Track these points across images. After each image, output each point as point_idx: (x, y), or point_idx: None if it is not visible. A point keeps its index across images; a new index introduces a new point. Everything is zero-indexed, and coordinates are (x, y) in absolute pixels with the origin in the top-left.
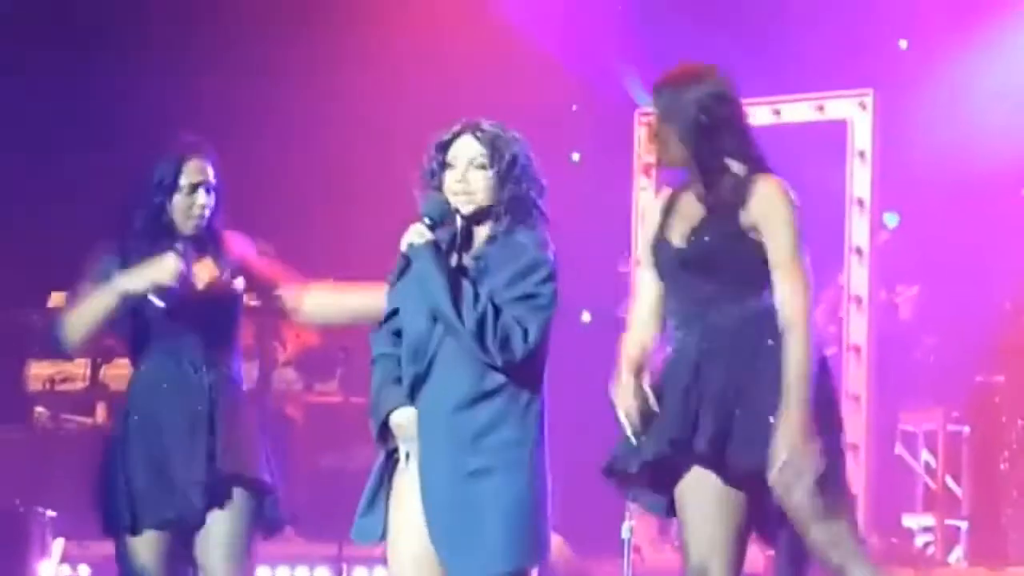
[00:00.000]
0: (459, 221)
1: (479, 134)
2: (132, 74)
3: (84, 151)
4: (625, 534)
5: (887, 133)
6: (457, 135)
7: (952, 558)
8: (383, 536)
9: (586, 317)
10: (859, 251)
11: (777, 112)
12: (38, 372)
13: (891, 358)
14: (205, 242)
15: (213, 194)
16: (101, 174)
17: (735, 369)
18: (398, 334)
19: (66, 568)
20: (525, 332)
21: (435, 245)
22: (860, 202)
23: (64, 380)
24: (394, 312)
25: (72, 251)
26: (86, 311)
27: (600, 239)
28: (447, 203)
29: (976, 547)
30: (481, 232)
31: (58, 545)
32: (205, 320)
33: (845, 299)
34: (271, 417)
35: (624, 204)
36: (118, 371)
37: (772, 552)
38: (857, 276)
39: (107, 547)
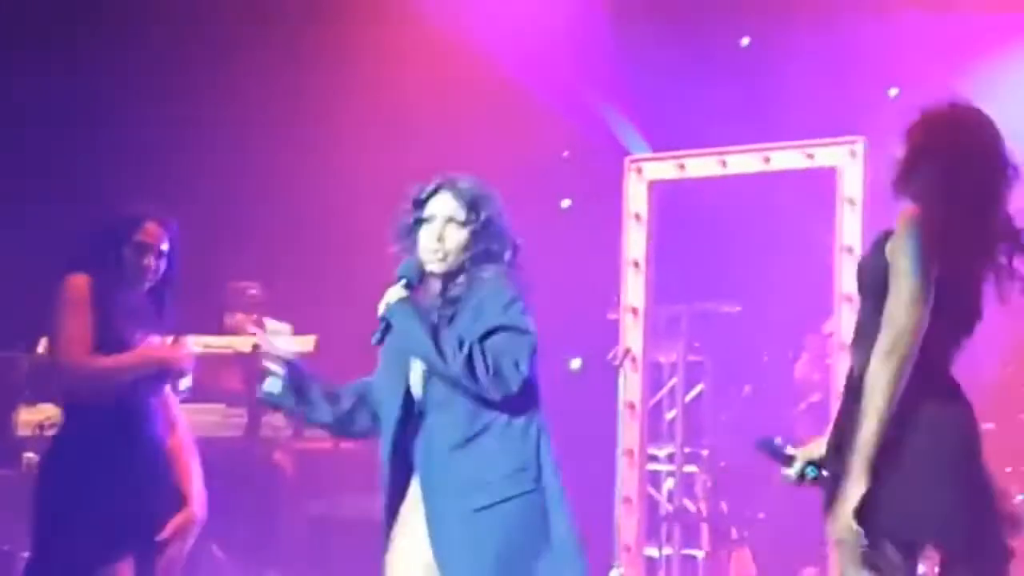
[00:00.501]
0: (434, 282)
1: (456, 192)
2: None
3: (58, 199)
4: None
5: (877, 181)
6: (434, 192)
7: None
8: None
9: (576, 364)
10: (849, 299)
11: (767, 159)
12: (27, 418)
13: None
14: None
15: (164, 260)
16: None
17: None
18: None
19: None
20: (516, 362)
21: (411, 301)
22: (849, 249)
23: (53, 426)
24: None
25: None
26: (115, 370)
27: (590, 286)
28: (421, 265)
29: None
30: (454, 288)
31: None
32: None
33: (835, 346)
34: (259, 463)
35: (614, 251)
36: None
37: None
38: (848, 323)
39: None
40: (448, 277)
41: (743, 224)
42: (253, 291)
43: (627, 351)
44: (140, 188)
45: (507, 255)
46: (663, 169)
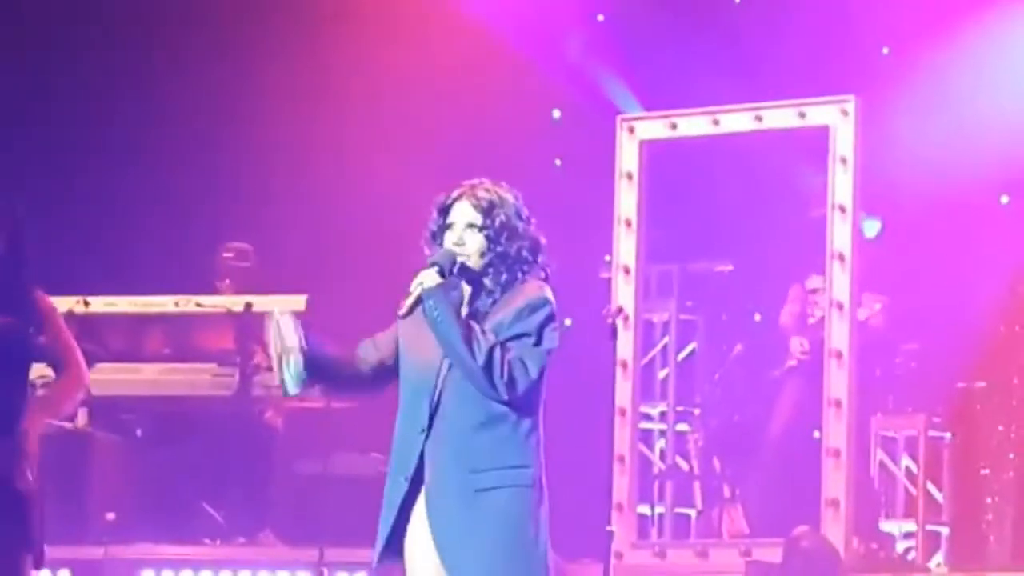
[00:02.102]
0: (463, 282)
1: (474, 201)
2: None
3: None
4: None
5: (869, 139)
6: (456, 199)
7: (933, 563)
8: (378, 562)
9: (567, 322)
10: (841, 257)
11: (759, 118)
12: None
13: (872, 364)
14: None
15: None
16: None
17: None
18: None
19: (47, 573)
20: (527, 368)
21: (445, 287)
22: (842, 208)
23: (44, 385)
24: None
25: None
26: None
27: (582, 245)
28: (454, 255)
29: (957, 552)
30: (480, 285)
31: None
32: None
33: (827, 305)
34: (251, 423)
35: (606, 210)
36: (100, 376)
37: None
38: (839, 282)
39: (87, 551)
40: (476, 277)
41: (735, 183)
42: (244, 252)
43: (619, 309)
44: (125, 146)
45: (532, 255)
46: (655, 128)
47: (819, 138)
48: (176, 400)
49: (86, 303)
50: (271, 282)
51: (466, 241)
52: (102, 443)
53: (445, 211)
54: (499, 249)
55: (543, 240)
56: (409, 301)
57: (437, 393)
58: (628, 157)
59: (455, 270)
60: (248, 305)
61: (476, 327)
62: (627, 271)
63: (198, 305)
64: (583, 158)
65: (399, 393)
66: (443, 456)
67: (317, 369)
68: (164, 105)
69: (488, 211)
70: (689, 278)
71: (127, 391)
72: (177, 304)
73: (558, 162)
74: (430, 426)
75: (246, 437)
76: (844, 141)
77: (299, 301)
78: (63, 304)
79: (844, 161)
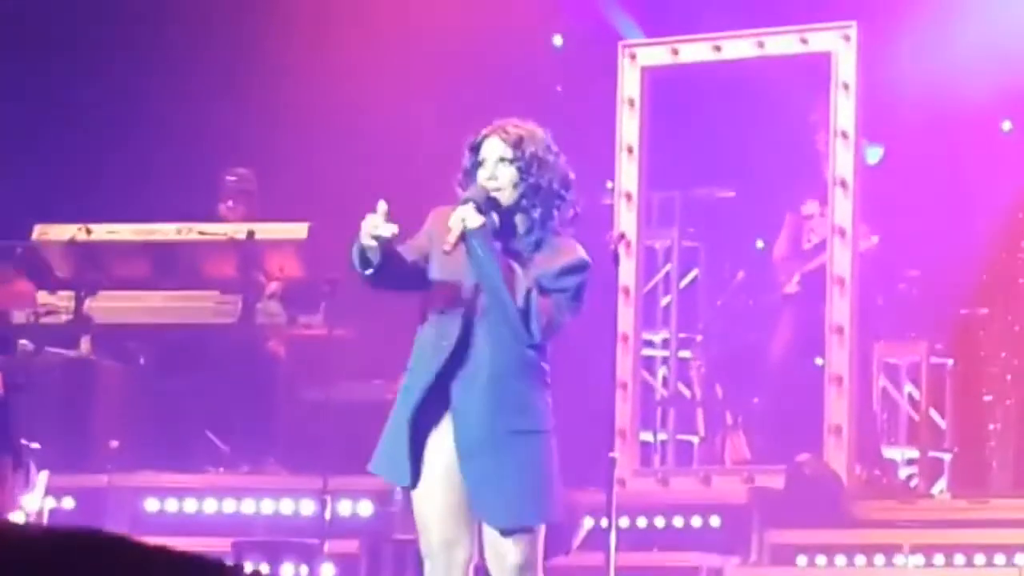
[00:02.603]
0: (495, 215)
1: (504, 135)
2: None
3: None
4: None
5: (871, 65)
6: (486, 136)
7: (935, 490)
8: (413, 485)
9: None
10: (843, 183)
11: (761, 44)
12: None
13: (875, 290)
14: None
15: None
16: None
17: None
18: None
19: (51, 500)
20: (561, 316)
21: (486, 225)
22: (844, 134)
23: (48, 313)
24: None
25: (54, 184)
26: None
27: (584, 171)
28: (486, 191)
29: (959, 478)
30: (519, 224)
31: (43, 477)
32: None
33: (828, 231)
34: (254, 351)
35: (608, 136)
36: (102, 303)
37: None
38: (841, 208)
39: (91, 479)
40: (508, 213)
41: (737, 110)
42: (247, 177)
43: (621, 236)
44: (127, 72)
45: (563, 188)
46: (656, 55)
47: (821, 64)
48: (179, 328)
49: (88, 231)
50: (275, 208)
51: (498, 175)
52: (105, 371)
53: (476, 149)
54: (531, 180)
55: (572, 175)
56: (452, 238)
57: (469, 329)
58: (630, 84)
59: (488, 206)
60: (250, 233)
61: (518, 269)
62: (629, 198)
63: (200, 233)
64: (585, 85)
65: (425, 320)
66: (475, 400)
67: (389, 257)
68: (167, 31)
69: (518, 144)
70: (691, 205)
71: (130, 319)
72: (179, 232)
73: (560, 89)
74: (457, 359)
75: (249, 365)
76: (846, 67)
77: (301, 228)
78: (65, 232)
79: (846, 87)
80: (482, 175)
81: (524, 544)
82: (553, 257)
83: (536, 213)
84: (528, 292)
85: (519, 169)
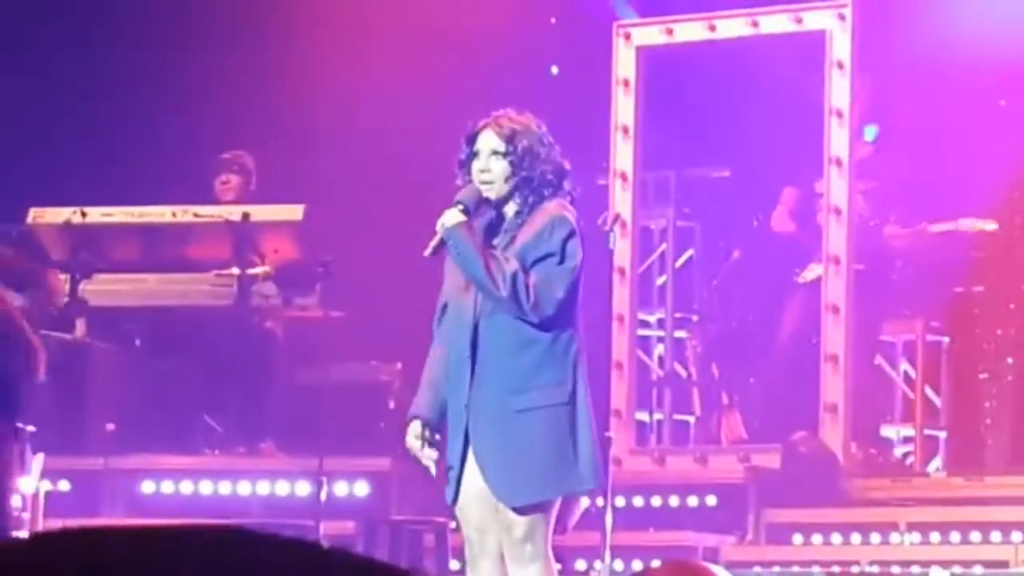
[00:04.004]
0: (491, 209)
1: (498, 129)
2: None
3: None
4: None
5: (865, 44)
6: (481, 129)
7: (931, 468)
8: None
9: None
10: (838, 162)
11: (755, 23)
12: None
13: (871, 269)
14: None
15: None
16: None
17: None
18: None
19: (46, 483)
20: (552, 288)
21: (467, 224)
22: (839, 113)
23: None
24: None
25: (51, 167)
26: None
27: (579, 152)
28: (479, 192)
29: (955, 457)
30: (509, 211)
31: (38, 460)
32: None
33: (825, 209)
34: (250, 332)
35: (603, 117)
36: (97, 287)
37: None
38: (836, 187)
39: (87, 462)
40: (501, 204)
41: (732, 89)
42: (243, 158)
43: (616, 216)
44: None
45: (556, 179)
46: (651, 35)
47: (815, 43)
48: (175, 310)
49: (83, 213)
50: (270, 190)
51: (491, 167)
52: (101, 353)
53: (471, 140)
54: (523, 174)
55: (567, 165)
56: (433, 242)
57: (475, 320)
58: (624, 64)
59: (479, 206)
60: (246, 215)
61: (499, 257)
62: (624, 178)
63: (196, 215)
64: (579, 65)
65: (439, 317)
66: (483, 379)
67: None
68: (163, 14)
69: (511, 138)
70: (686, 184)
71: (125, 301)
72: (175, 214)
73: (555, 69)
74: (474, 353)
75: (245, 347)
76: (841, 46)
77: (296, 210)
78: (60, 215)
79: (841, 66)
80: (476, 166)
81: (529, 519)
82: (531, 226)
83: (529, 200)
84: (514, 275)
85: (511, 163)
